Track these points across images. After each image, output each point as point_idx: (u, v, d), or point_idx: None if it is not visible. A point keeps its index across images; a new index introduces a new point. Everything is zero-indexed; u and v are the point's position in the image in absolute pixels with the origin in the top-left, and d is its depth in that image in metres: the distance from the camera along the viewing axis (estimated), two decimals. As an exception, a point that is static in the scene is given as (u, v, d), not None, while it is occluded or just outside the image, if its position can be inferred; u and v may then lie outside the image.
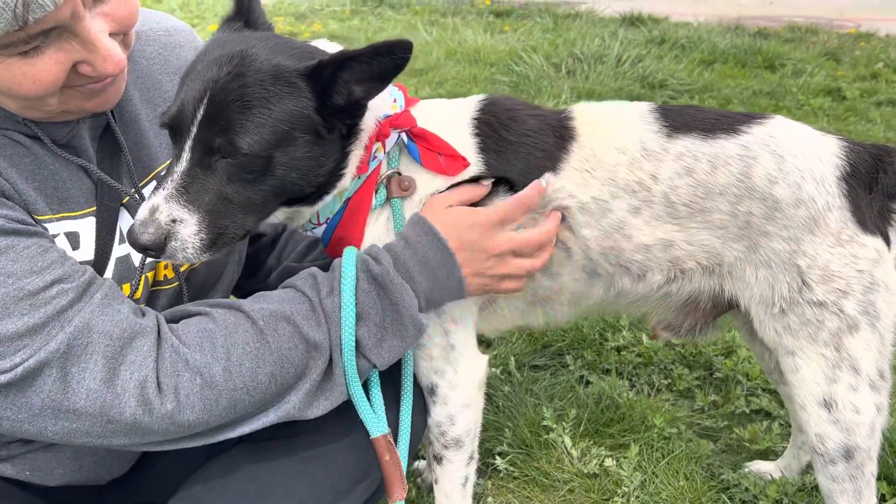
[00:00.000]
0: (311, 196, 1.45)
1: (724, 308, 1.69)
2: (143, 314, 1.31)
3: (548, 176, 1.52)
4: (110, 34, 1.24)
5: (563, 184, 1.53)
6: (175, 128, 1.33)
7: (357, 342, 1.37)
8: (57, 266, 1.23)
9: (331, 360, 1.37)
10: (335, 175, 1.44)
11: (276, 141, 1.31)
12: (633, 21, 8.74)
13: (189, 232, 1.29)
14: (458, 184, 1.52)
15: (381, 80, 1.35)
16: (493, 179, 1.53)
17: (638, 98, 5.60)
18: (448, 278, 1.43)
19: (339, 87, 1.34)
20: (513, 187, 1.54)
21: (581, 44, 6.95)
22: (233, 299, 1.42)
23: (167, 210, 1.28)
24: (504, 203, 1.50)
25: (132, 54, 1.50)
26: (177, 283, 1.57)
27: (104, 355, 1.21)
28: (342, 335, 1.36)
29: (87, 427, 1.23)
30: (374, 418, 1.43)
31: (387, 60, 1.30)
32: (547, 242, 1.52)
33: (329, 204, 1.51)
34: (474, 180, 1.53)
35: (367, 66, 1.31)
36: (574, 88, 5.80)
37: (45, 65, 1.18)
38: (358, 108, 1.39)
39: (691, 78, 6.25)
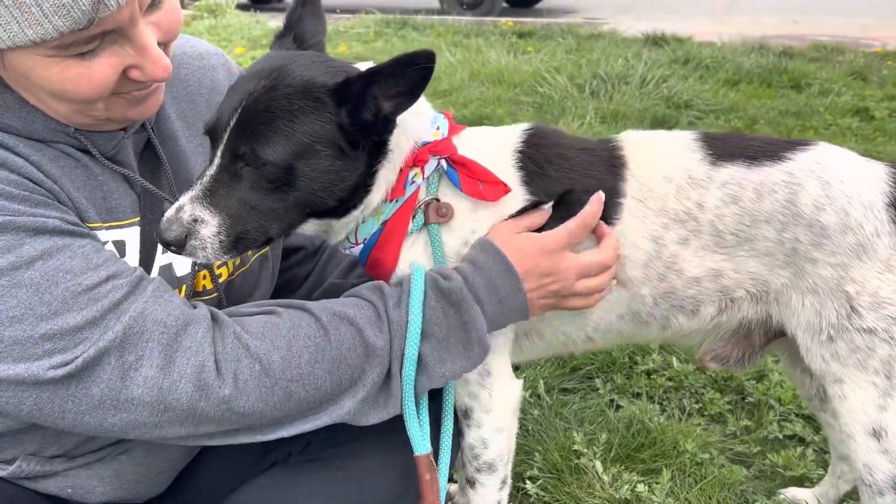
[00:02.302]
0: (337, 210, 1.47)
1: (773, 336, 1.68)
2: (195, 307, 1.34)
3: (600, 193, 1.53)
4: (158, 42, 1.31)
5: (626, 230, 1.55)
6: (212, 134, 1.40)
7: (419, 357, 1.40)
8: (110, 263, 1.27)
9: (389, 371, 1.39)
10: (359, 191, 1.46)
11: (296, 153, 1.35)
12: (656, 41, 8.75)
13: (208, 232, 1.34)
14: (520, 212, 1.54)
15: (409, 95, 1.36)
16: (553, 203, 1.54)
17: (663, 119, 5.62)
18: (514, 303, 1.47)
19: (368, 103, 1.37)
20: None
21: (605, 64, 6.96)
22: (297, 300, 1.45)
23: (190, 210, 1.34)
24: (567, 226, 1.51)
25: (169, 77, 1.55)
26: (216, 293, 1.60)
27: (159, 342, 1.24)
28: (406, 349, 1.38)
29: (145, 417, 1.25)
30: (420, 436, 1.43)
31: (410, 72, 1.32)
32: (612, 261, 1.54)
33: (367, 224, 1.53)
34: (534, 205, 1.55)
35: (392, 79, 1.33)
36: (598, 109, 5.80)
37: (101, 67, 1.24)
38: (386, 125, 1.42)
39: (716, 98, 6.24)
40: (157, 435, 1.29)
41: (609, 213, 1.55)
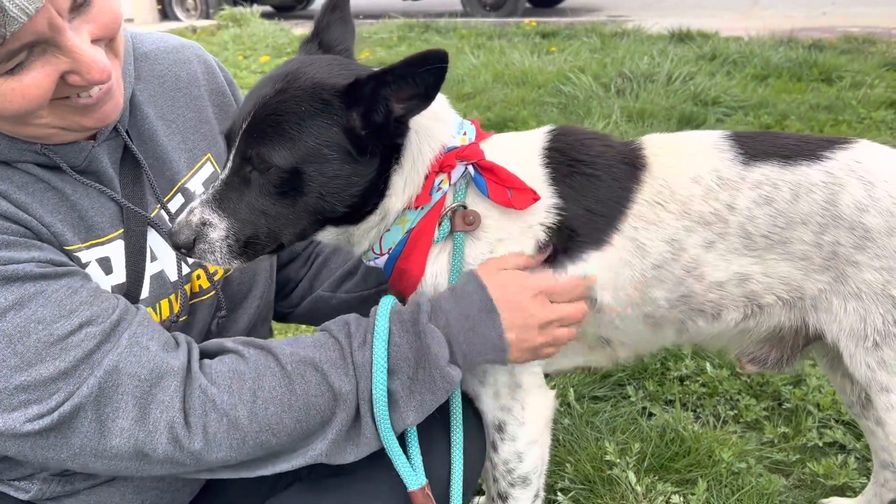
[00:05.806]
0: (352, 216, 1.44)
1: (811, 340, 1.63)
2: (177, 344, 1.34)
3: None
4: (94, 40, 1.25)
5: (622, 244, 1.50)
6: (227, 138, 1.40)
7: (390, 394, 1.37)
8: (85, 307, 1.26)
9: (358, 412, 1.37)
10: (372, 197, 1.43)
11: (302, 156, 1.33)
12: (681, 37, 8.62)
13: (217, 236, 1.35)
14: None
15: (423, 97, 1.33)
16: (550, 250, 1.49)
17: (690, 116, 5.53)
18: (489, 334, 1.40)
19: (379, 105, 1.33)
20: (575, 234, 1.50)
21: (630, 62, 6.88)
22: (268, 340, 1.43)
23: (200, 213, 1.35)
24: (560, 280, 1.48)
25: (143, 75, 1.55)
26: (213, 292, 1.59)
27: (134, 395, 1.25)
28: (373, 390, 1.35)
29: (126, 463, 1.28)
30: (410, 471, 1.41)
31: (423, 72, 1.27)
32: (582, 317, 1.51)
33: (391, 234, 1.50)
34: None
35: (403, 80, 1.30)
36: (624, 108, 5.73)
37: (33, 80, 1.18)
38: (398, 128, 1.38)
39: (745, 94, 6.12)
40: (140, 474, 1.31)
41: (614, 218, 1.49)
